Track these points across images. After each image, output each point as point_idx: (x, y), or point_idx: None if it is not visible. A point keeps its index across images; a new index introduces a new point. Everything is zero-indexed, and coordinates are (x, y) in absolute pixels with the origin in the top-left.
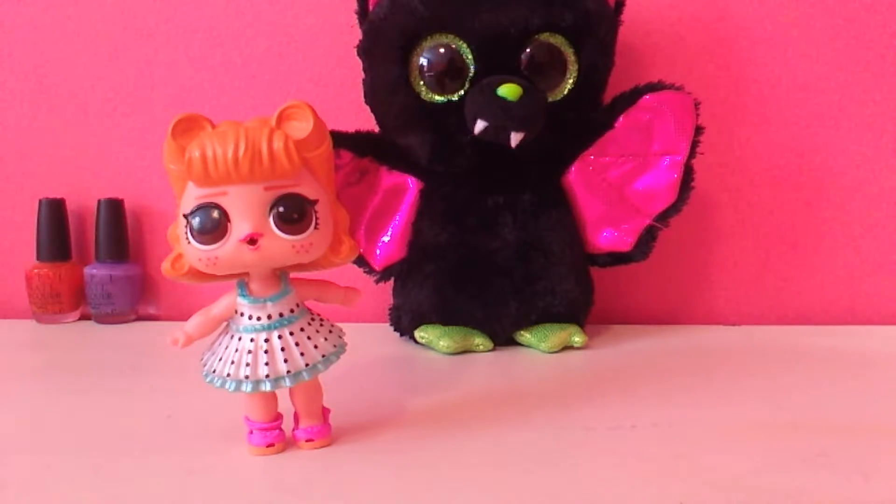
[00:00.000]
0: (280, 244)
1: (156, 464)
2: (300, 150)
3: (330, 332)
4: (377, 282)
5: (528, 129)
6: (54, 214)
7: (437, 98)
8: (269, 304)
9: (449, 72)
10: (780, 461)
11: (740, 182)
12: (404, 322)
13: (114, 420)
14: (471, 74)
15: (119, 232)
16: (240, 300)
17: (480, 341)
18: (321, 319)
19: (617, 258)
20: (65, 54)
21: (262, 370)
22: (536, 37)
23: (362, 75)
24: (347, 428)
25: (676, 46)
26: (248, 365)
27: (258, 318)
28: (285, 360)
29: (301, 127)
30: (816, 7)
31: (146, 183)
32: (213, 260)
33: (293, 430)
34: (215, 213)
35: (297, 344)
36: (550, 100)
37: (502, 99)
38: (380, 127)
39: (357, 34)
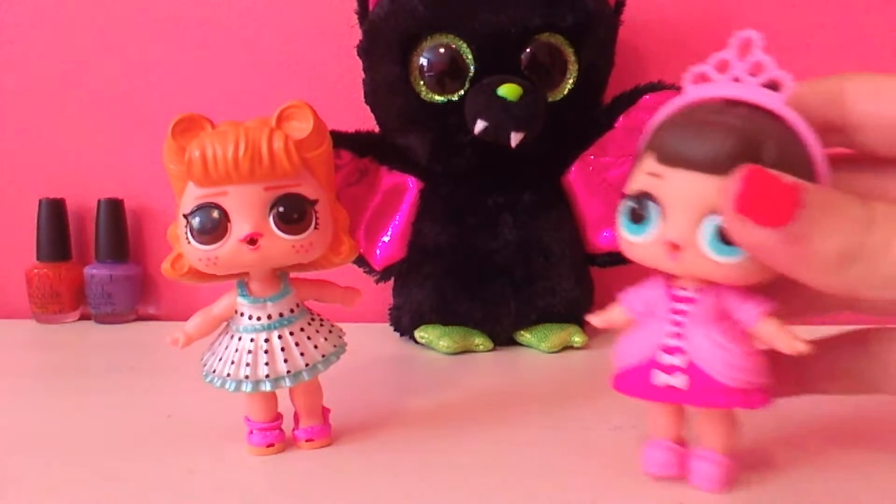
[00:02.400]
0: (280, 244)
1: (156, 464)
2: (300, 150)
3: (330, 332)
4: (377, 282)
5: (527, 129)
6: (54, 214)
7: (437, 98)
8: (269, 304)
9: (449, 72)
10: (780, 461)
11: None
12: (404, 322)
13: (114, 420)
14: (471, 74)
15: (119, 232)
16: (240, 300)
17: (480, 341)
18: (321, 319)
19: (617, 258)
20: (65, 54)
21: (262, 370)
22: (536, 37)
23: (362, 75)
24: (347, 428)
25: (676, 46)
26: (248, 365)
27: (258, 318)
28: (285, 360)
29: (301, 127)
30: (817, 7)
31: (146, 183)
32: (213, 260)
33: (293, 430)
34: (215, 213)
35: (297, 344)
36: (550, 100)
37: (502, 99)
38: (380, 127)
39: (357, 34)
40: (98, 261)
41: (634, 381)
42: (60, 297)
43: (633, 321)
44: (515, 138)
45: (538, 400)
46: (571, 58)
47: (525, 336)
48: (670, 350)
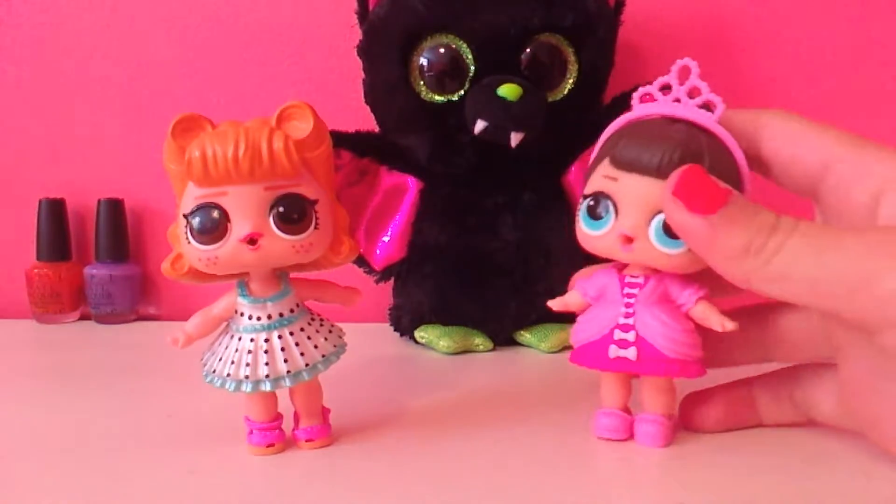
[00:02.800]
0: (280, 244)
1: (156, 464)
2: (300, 150)
3: (330, 332)
4: (377, 282)
5: (527, 129)
6: (54, 214)
7: (437, 98)
8: (269, 304)
9: (449, 72)
10: (780, 461)
11: None
12: (404, 322)
13: (114, 420)
14: (471, 74)
15: (119, 232)
16: (240, 300)
17: (480, 341)
18: (321, 319)
19: None
20: (65, 54)
21: (262, 370)
22: (536, 37)
23: (362, 75)
24: (347, 428)
25: (676, 46)
26: (248, 365)
27: (258, 318)
28: (285, 360)
29: (301, 127)
30: (818, 7)
31: (146, 183)
32: (213, 260)
33: (293, 430)
34: (215, 213)
35: (297, 344)
36: (550, 100)
37: (502, 99)
38: (380, 127)
39: (357, 34)
40: (98, 261)
41: (592, 355)
42: (60, 297)
43: (586, 304)
44: (515, 138)
45: (538, 400)
46: (571, 58)
47: (525, 336)
48: (624, 328)
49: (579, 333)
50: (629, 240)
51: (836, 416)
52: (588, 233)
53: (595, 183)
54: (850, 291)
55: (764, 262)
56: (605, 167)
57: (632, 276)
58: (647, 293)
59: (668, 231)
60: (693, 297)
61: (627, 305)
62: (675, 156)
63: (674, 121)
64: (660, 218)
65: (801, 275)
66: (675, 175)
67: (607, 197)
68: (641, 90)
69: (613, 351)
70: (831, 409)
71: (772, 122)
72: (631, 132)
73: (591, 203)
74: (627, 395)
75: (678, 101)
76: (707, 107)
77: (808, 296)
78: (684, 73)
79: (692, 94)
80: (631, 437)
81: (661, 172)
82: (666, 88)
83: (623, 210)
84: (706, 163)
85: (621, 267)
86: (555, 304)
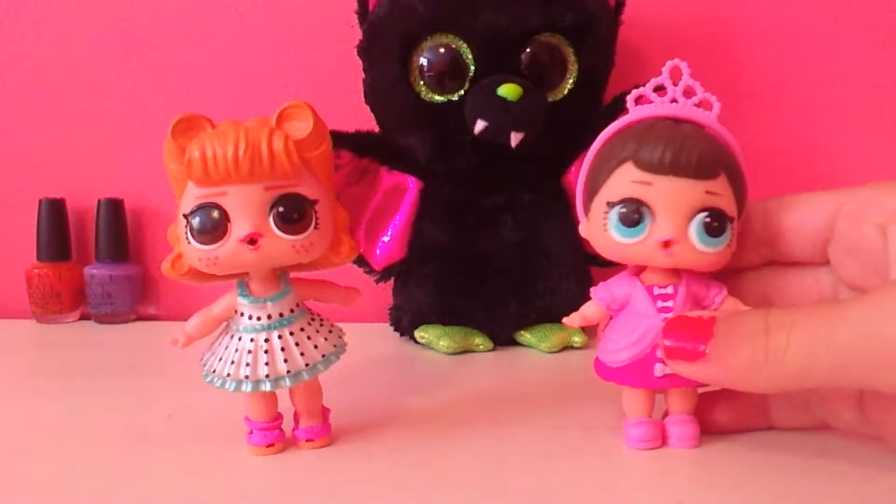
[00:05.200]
0: (280, 244)
1: (156, 463)
2: (300, 150)
3: (330, 332)
4: (377, 282)
5: (527, 129)
6: (54, 214)
7: (437, 98)
8: (269, 304)
9: (449, 72)
10: (780, 460)
11: None
12: (404, 322)
13: (114, 420)
14: (471, 74)
15: (119, 232)
16: (240, 300)
17: (480, 341)
18: (321, 319)
19: None
20: (65, 54)
21: (262, 370)
22: (536, 37)
23: (362, 75)
24: (347, 428)
25: (676, 46)
26: (248, 365)
27: (258, 318)
28: (285, 360)
29: (301, 127)
30: (817, 7)
31: (146, 183)
32: (213, 260)
33: (293, 430)
34: (215, 213)
35: (297, 344)
36: (550, 100)
37: (502, 99)
38: (380, 127)
39: (357, 34)
40: (98, 261)
41: (635, 375)
42: (60, 297)
43: (607, 316)
44: (515, 138)
45: (538, 400)
46: (571, 58)
47: (525, 336)
48: None
49: (615, 353)
50: (669, 244)
51: (856, 423)
52: (621, 241)
53: (621, 189)
54: (882, 368)
55: (778, 364)
56: (631, 172)
57: (659, 287)
58: (681, 303)
59: (710, 229)
60: (719, 298)
61: (665, 321)
62: (711, 155)
63: (678, 121)
64: (700, 217)
65: (822, 365)
66: (662, 343)
67: (642, 203)
68: (636, 92)
69: (660, 369)
70: (852, 417)
71: (770, 204)
72: (649, 135)
73: (624, 210)
74: (653, 402)
75: (675, 101)
76: (702, 106)
77: (838, 381)
78: (676, 74)
79: (687, 93)
80: (664, 443)
81: (698, 173)
82: (660, 89)
83: (661, 214)
84: (728, 162)
85: (637, 272)
86: (573, 321)
